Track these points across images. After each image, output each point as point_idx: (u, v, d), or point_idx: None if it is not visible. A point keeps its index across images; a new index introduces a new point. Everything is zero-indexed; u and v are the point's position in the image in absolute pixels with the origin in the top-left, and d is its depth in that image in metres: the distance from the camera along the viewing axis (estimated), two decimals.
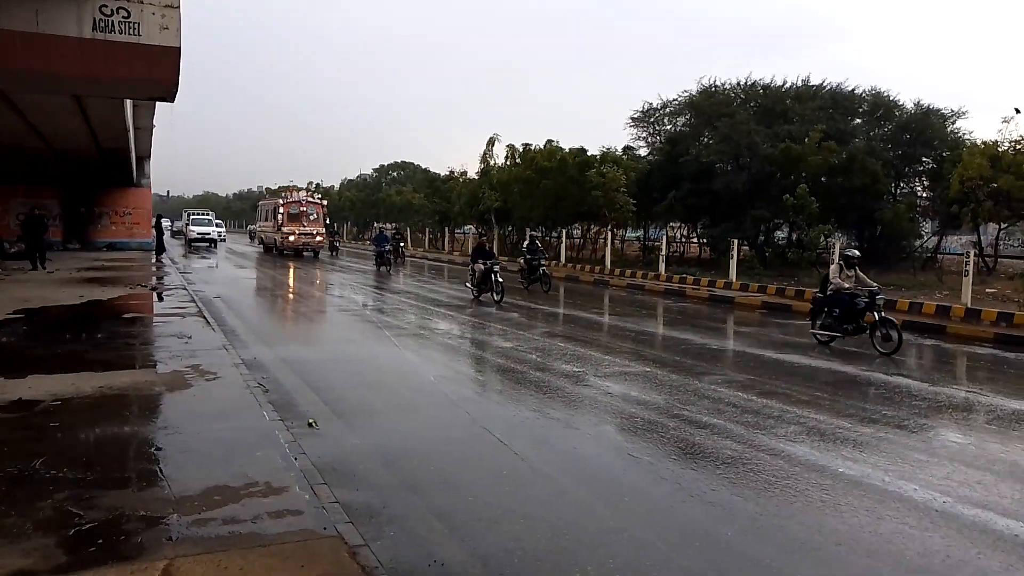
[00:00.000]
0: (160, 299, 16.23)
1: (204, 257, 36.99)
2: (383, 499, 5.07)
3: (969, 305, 15.23)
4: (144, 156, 36.33)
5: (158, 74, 11.64)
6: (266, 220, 40.60)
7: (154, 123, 30.18)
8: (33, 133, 23.36)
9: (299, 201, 37.44)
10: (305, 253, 36.96)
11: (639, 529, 4.73)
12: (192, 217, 51.78)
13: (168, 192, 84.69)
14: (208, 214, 55.52)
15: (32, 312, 13.11)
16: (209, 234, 47.67)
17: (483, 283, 17.39)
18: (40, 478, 5.01)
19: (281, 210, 36.43)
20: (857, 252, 12.38)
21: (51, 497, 4.67)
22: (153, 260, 29.38)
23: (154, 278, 21.32)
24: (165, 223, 73.40)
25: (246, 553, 3.98)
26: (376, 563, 3.95)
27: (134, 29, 11.11)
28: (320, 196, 39.70)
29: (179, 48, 11.40)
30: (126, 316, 13.38)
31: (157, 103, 22.82)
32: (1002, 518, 5.01)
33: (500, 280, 16.93)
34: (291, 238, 36.36)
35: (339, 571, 3.83)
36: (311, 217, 37.16)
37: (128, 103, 21.02)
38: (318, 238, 37.11)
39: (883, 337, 11.30)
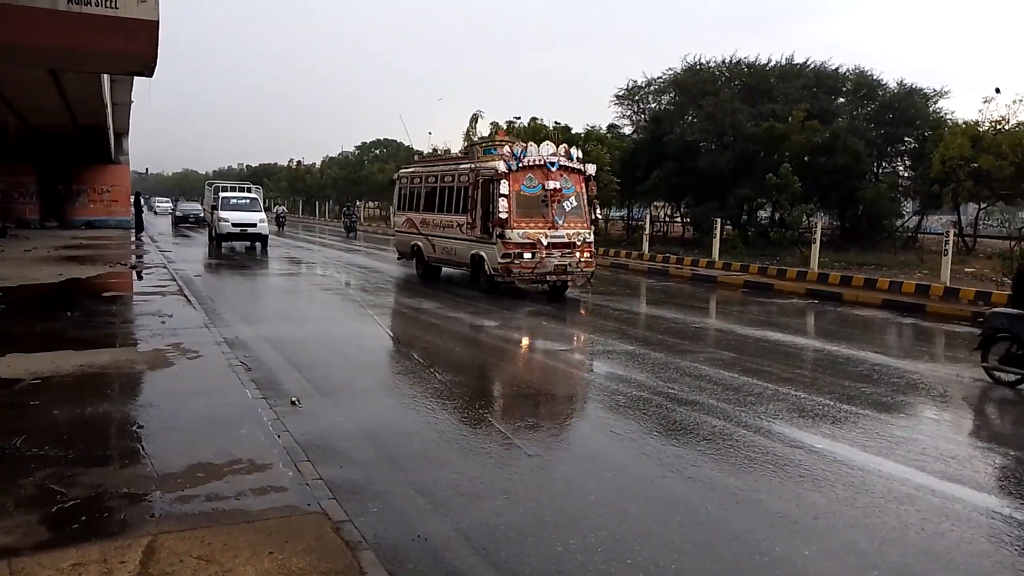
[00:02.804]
0: (140, 278, 16.07)
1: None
2: (367, 475, 5.09)
3: (948, 284, 15.42)
4: (122, 132, 35.74)
5: (135, 48, 11.40)
6: (438, 209, 17.10)
7: (132, 98, 29.62)
8: (7, 108, 22.88)
9: (544, 166, 15.04)
10: (519, 281, 14.90)
11: (621, 504, 4.79)
12: (223, 195, 27.91)
13: (147, 170, 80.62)
14: (249, 189, 31.93)
15: (9, 290, 12.94)
16: (253, 226, 25.97)
17: None
18: (21, 456, 4.98)
19: (504, 188, 14.53)
20: None
21: (33, 475, 4.65)
22: (132, 238, 29.03)
23: (133, 256, 21.09)
24: (164, 204, 65.97)
25: (230, 529, 3.99)
26: (360, 538, 3.97)
27: (111, 1, 10.87)
28: (579, 156, 16.04)
29: (157, 21, 11.16)
30: (106, 295, 13.24)
31: (135, 78, 22.41)
32: (975, 492, 5.12)
33: None
34: (529, 255, 14.51)
35: (323, 546, 3.85)
36: (568, 204, 15.16)
37: (106, 78, 20.60)
38: (584, 254, 15.04)
39: None
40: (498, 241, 14.33)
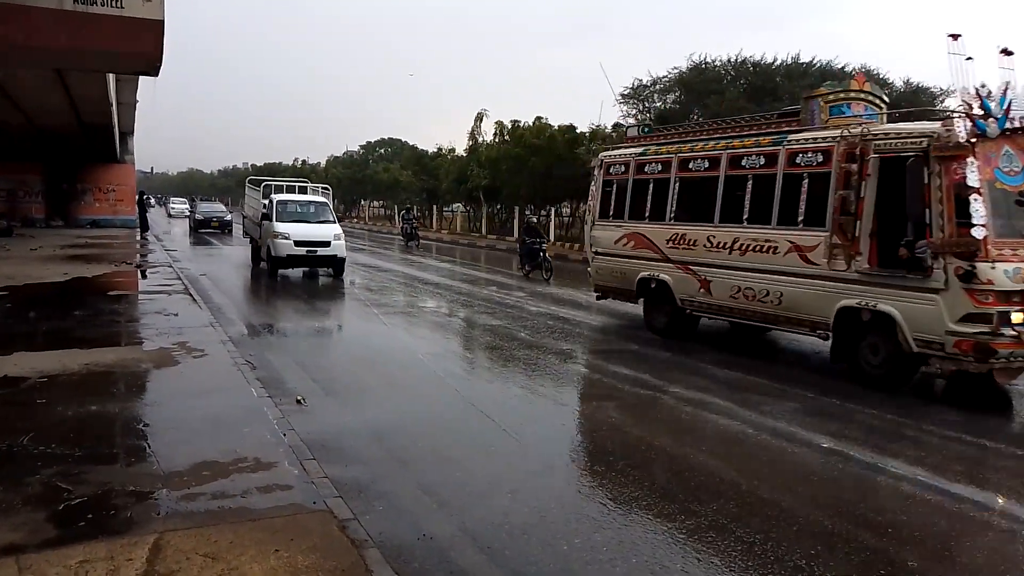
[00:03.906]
0: (145, 276, 16.12)
1: None
2: (372, 474, 5.10)
3: None
4: (127, 132, 35.80)
5: (141, 47, 11.44)
6: (721, 217, 9.71)
7: (137, 98, 29.68)
8: (13, 108, 22.95)
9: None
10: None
11: (626, 503, 4.78)
12: (278, 199, 18.52)
13: (152, 169, 79.77)
14: (307, 189, 22.30)
15: (16, 289, 12.99)
16: (325, 244, 17.05)
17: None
18: (28, 454, 5.00)
19: (973, 175, 6.98)
20: None
21: (39, 472, 4.66)
22: (137, 237, 29.11)
23: (138, 255, 21.15)
24: (180, 205, 56.80)
25: (236, 527, 4.00)
26: (365, 536, 3.98)
27: (116, 1, 10.91)
28: None
29: (163, 21, 11.19)
30: (111, 293, 13.29)
31: (140, 78, 22.48)
32: (980, 491, 5.10)
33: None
34: None
35: (329, 545, 3.85)
36: None
37: (111, 77, 20.66)
38: None
39: None
40: (952, 285, 7.16)
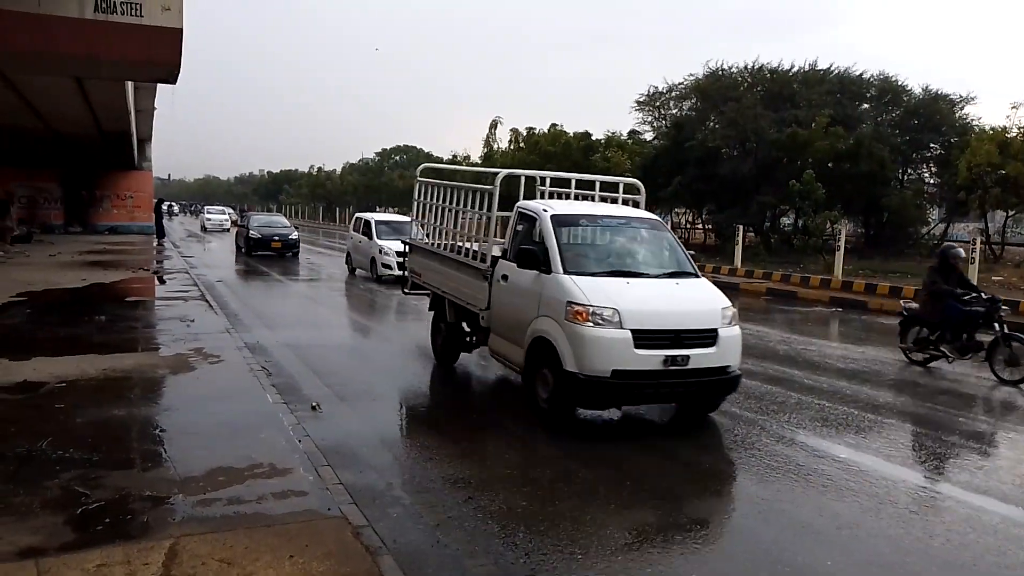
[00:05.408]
0: (162, 282, 16.25)
1: None
2: (386, 481, 5.09)
3: None
4: (145, 139, 36.18)
5: (159, 56, 11.59)
6: None
7: (155, 105, 30.00)
8: (33, 115, 23.29)
9: None
10: None
11: (641, 511, 4.75)
12: (555, 216, 7.06)
13: (169, 175, 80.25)
14: (624, 192, 8.55)
15: (35, 295, 13.12)
16: (702, 343, 6.12)
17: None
18: (47, 458, 5.04)
19: None
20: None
21: (58, 476, 4.70)
22: (155, 244, 29.36)
23: (155, 262, 21.33)
24: (218, 216, 46.60)
25: (251, 533, 4.01)
26: (380, 543, 3.97)
27: (136, 10, 11.06)
28: None
29: (181, 29, 11.34)
30: (129, 299, 13.40)
31: (158, 85, 22.72)
32: (1002, 504, 5.02)
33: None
34: None
35: (343, 551, 3.85)
36: None
37: (129, 85, 20.94)
38: None
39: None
40: None
